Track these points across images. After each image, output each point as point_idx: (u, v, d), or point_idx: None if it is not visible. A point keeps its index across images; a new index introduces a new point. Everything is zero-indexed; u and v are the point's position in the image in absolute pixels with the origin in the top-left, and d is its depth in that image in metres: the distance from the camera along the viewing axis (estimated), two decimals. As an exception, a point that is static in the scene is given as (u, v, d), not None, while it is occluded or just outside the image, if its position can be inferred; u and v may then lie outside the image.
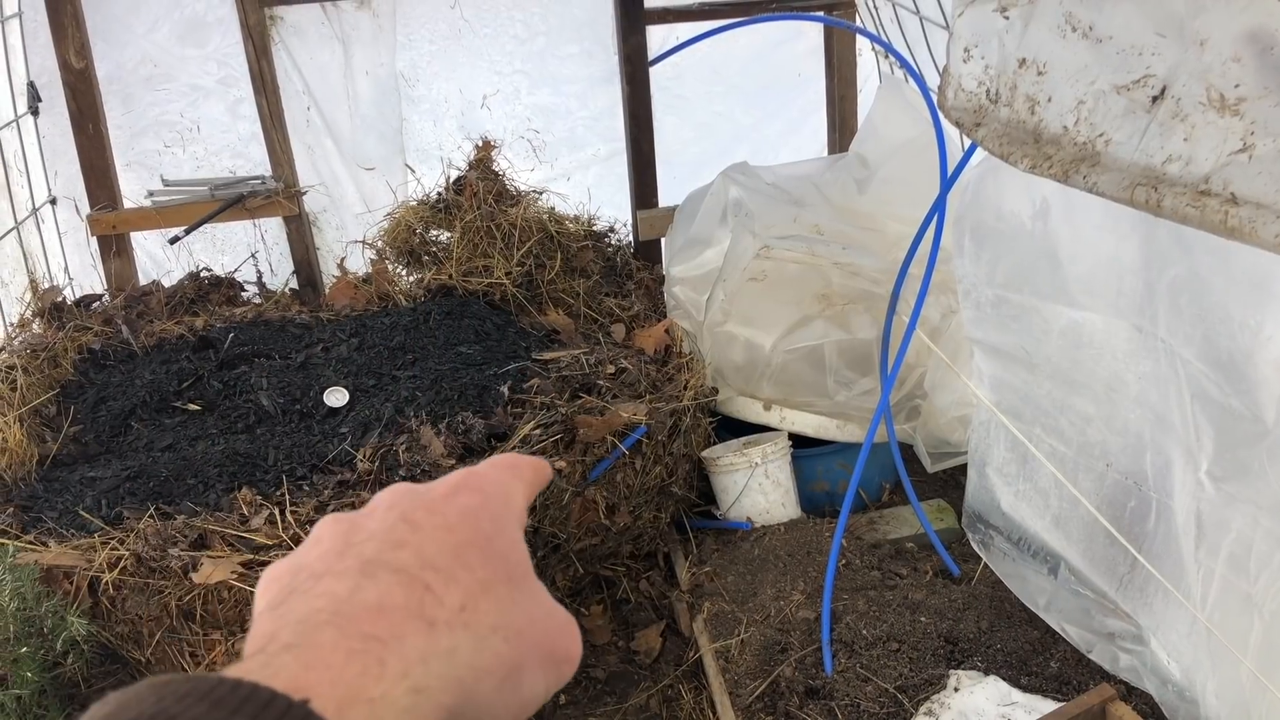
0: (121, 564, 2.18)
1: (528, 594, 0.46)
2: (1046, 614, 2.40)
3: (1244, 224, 1.02)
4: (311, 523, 2.28)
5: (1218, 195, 1.07)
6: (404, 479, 2.42)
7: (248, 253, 3.86)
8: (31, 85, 3.58)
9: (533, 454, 2.47)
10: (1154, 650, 2.11)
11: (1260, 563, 1.70)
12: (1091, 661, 2.27)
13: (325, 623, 0.40)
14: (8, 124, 3.46)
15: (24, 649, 2.07)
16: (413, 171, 3.89)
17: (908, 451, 3.06)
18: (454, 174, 3.62)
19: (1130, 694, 2.16)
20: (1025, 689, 2.18)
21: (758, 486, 2.92)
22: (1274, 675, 1.70)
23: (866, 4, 3.83)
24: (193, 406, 2.91)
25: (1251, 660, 1.74)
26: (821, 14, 3.86)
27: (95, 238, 3.63)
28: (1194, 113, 1.17)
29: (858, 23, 3.90)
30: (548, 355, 3.09)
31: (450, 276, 3.46)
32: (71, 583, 2.20)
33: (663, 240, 3.85)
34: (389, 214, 3.67)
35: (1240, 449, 1.68)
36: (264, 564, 2.16)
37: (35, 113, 3.62)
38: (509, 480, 0.51)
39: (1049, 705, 2.07)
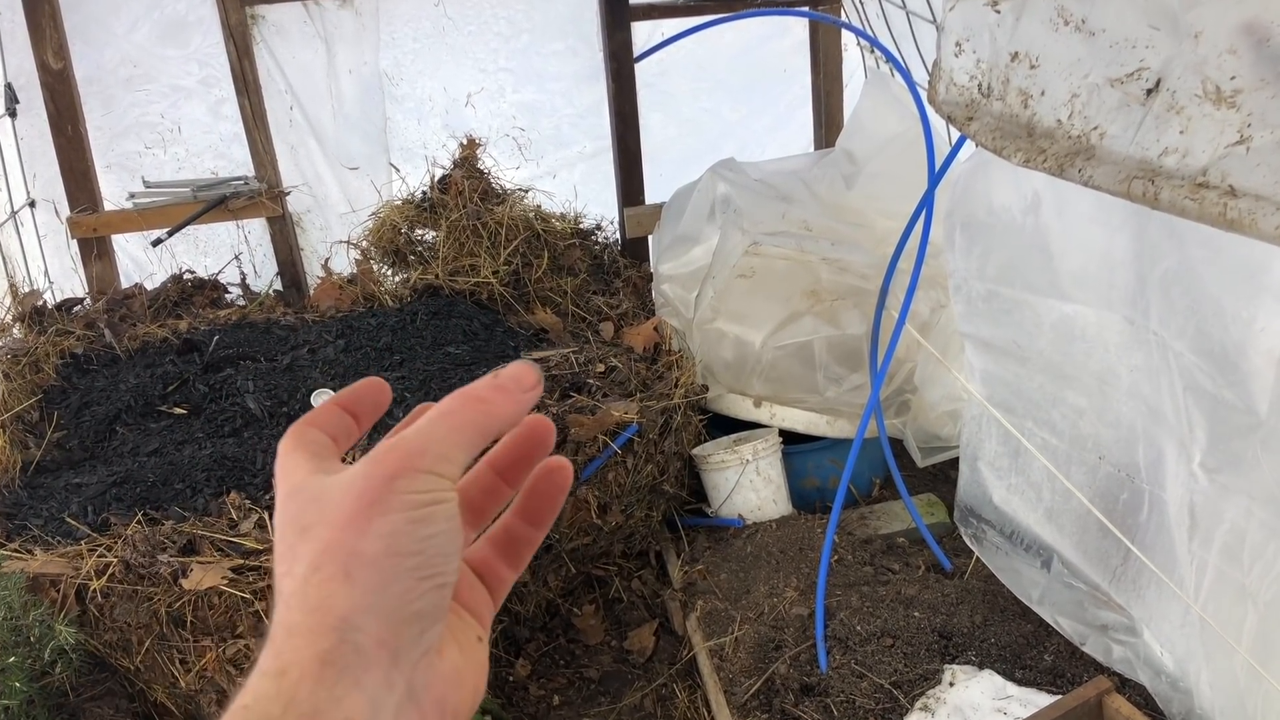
0: (109, 571, 2.15)
1: (309, 494, 0.49)
2: (1040, 607, 2.40)
3: (1243, 216, 1.02)
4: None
5: (1216, 187, 1.07)
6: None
7: (231, 254, 3.83)
8: (9, 87, 3.53)
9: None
10: (1147, 642, 2.12)
11: (1254, 553, 1.70)
12: (1085, 654, 2.28)
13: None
14: (-15, 126, 3.42)
15: (11, 658, 2.04)
16: (397, 170, 3.86)
17: (898, 446, 3.07)
18: (439, 173, 3.60)
19: (1124, 685, 2.16)
20: (1020, 682, 2.18)
21: (749, 483, 2.92)
22: (1269, 665, 1.70)
23: (851, -1, 3.83)
24: (178, 410, 2.88)
25: (1246, 650, 1.75)
26: (807, 9, 3.86)
27: (76, 240, 3.59)
28: (1190, 105, 1.17)
29: (843, 18, 3.90)
30: (537, 354, 3.08)
31: (436, 276, 3.44)
32: (59, 591, 2.17)
33: (650, 238, 3.84)
34: (373, 214, 3.64)
35: (1233, 440, 1.68)
36: (254, 569, 2.14)
37: (13, 114, 3.57)
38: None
39: (1044, 698, 2.08)
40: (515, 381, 0.52)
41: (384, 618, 0.45)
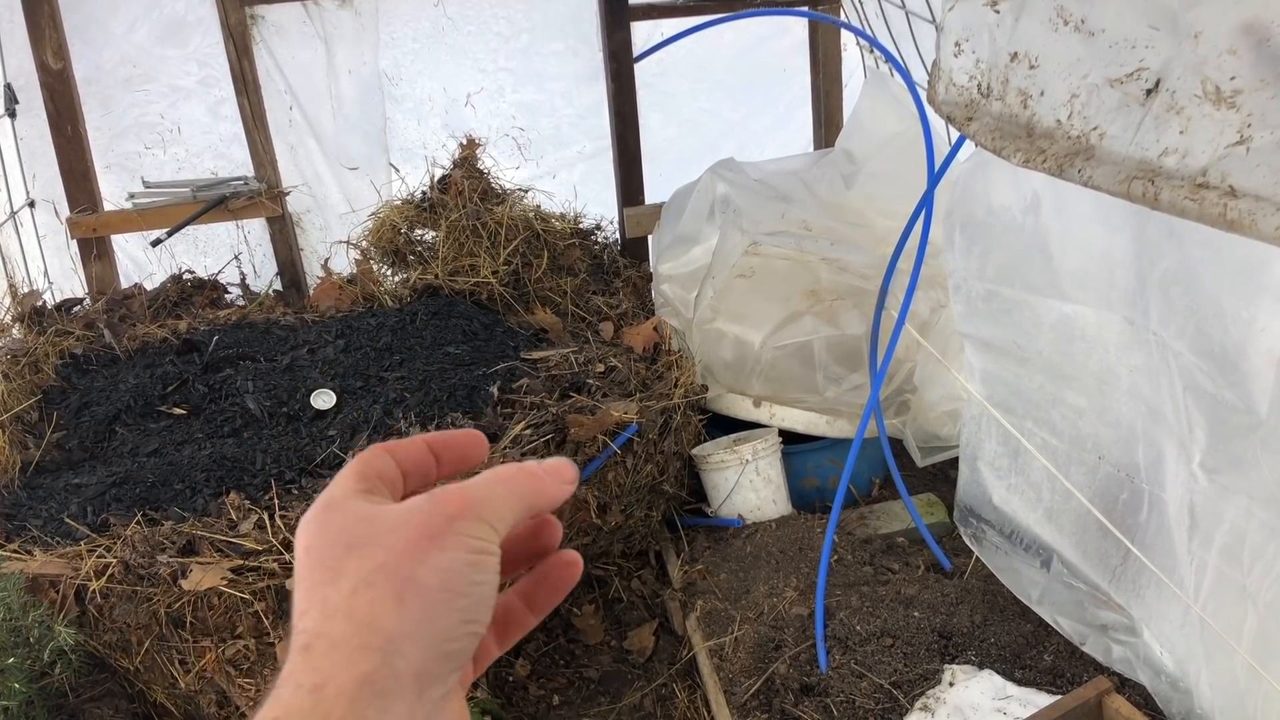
0: (109, 572, 2.15)
1: (344, 522, 0.49)
2: (1039, 607, 2.40)
3: (1243, 216, 1.02)
4: (301, 527, 2.25)
5: (1216, 188, 1.07)
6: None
7: (230, 254, 3.83)
8: (8, 87, 3.53)
9: (523, 455, 2.46)
10: (1147, 642, 2.12)
11: (1254, 554, 1.70)
12: (1085, 654, 2.28)
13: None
14: (-15, 126, 3.42)
15: (11, 659, 2.04)
16: (397, 171, 3.86)
17: (898, 446, 3.07)
18: (438, 173, 3.60)
19: (1124, 685, 2.16)
20: (1020, 682, 2.18)
21: (749, 483, 2.91)
22: (1269, 665, 1.70)
23: (850, -1, 3.83)
24: (178, 411, 2.88)
25: (1246, 651, 1.75)
26: (806, 9, 3.86)
27: (75, 241, 3.59)
28: (1189, 105, 1.17)
29: (842, 17, 3.89)
30: (536, 354, 3.08)
31: (436, 276, 3.44)
32: (58, 591, 2.17)
33: (650, 238, 3.84)
34: (373, 214, 3.64)
35: (1233, 440, 1.68)
36: (253, 569, 2.14)
37: (12, 115, 3.57)
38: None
39: (1044, 698, 2.08)
40: (557, 473, 0.55)
41: (425, 649, 0.46)
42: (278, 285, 3.87)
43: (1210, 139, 1.13)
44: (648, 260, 3.87)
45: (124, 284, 3.70)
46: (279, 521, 2.25)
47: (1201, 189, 1.11)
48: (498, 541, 0.50)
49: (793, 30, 4.04)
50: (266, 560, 2.15)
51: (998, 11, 1.54)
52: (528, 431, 2.58)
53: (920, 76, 3.16)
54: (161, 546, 2.18)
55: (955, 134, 2.21)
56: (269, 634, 2.14)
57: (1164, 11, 1.24)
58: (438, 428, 2.60)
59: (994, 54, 1.56)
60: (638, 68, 3.76)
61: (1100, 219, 1.92)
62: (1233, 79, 1.12)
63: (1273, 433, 1.59)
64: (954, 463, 2.81)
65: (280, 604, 2.14)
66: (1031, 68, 1.48)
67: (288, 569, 2.12)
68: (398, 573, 0.46)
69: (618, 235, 3.91)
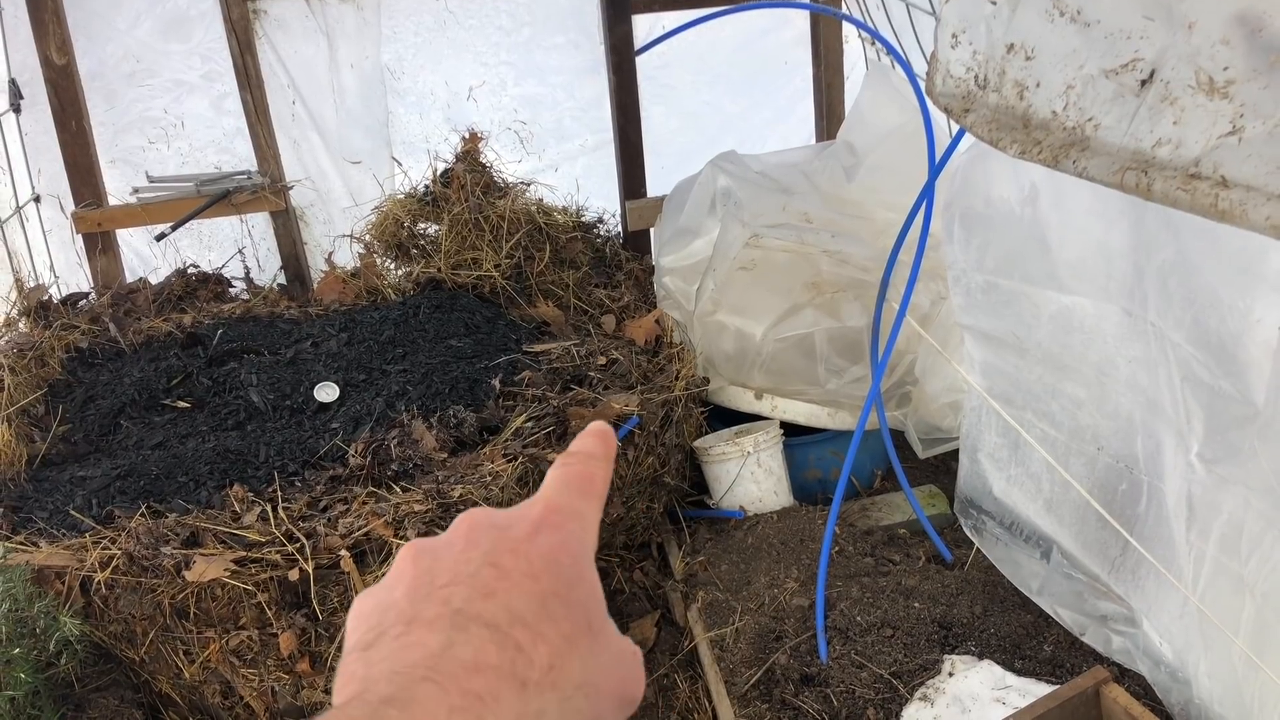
0: (113, 563, 2.17)
1: (604, 642, 0.48)
2: (1039, 598, 2.41)
3: (1234, 207, 1.02)
4: (304, 519, 2.27)
5: (1208, 178, 1.08)
6: (396, 473, 2.41)
7: (235, 249, 3.84)
8: (13, 82, 3.55)
9: (524, 447, 2.47)
10: (1146, 632, 2.12)
11: (1251, 544, 1.71)
12: (1084, 644, 2.29)
13: (423, 678, 0.41)
14: (-11, 122, 3.43)
15: (17, 650, 2.06)
16: (399, 165, 3.87)
17: (899, 438, 3.07)
18: (441, 166, 3.61)
19: (1123, 676, 2.17)
20: (1019, 673, 2.19)
21: (750, 475, 2.92)
22: (1266, 655, 1.71)
23: (852, -9, 3.82)
24: (182, 404, 2.89)
25: (1243, 640, 1.76)
26: (808, 1, 3.86)
27: (80, 235, 3.61)
28: (1183, 96, 1.17)
29: (844, 10, 3.89)
30: (538, 347, 3.09)
31: (439, 270, 3.45)
32: (63, 583, 2.19)
33: (651, 230, 3.84)
34: (376, 208, 3.65)
35: (1230, 431, 1.69)
36: (256, 561, 2.16)
37: (17, 110, 3.58)
38: (584, 506, 0.53)
39: (1043, 688, 2.08)
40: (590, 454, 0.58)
41: None
42: (281, 279, 3.89)
43: (1203, 129, 1.13)
44: (650, 253, 3.88)
45: (129, 278, 3.72)
46: (282, 514, 2.27)
47: (1194, 179, 1.11)
48: None
49: (794, 23, 4.04)
50: (269, 552, 2.16)
51: (994, 3, 1.54)
52: (529, 424, 2.59)
53: (921, 69, 3.16)
54: (165, 538, 2.20)
55: (956, 126, 2.21)
56: (272, 625, 2.15)
57: (1159, 2, 1.24)
58: (440, 420, 2.61)
59: (991, 45, 1.56)
60: (639, 61, 3.76)
61: (1098, 210, 1.92)
62: (1226, 69, 1.12)
63: (1269, 423, 1.59)
64: (956, 454, 2.81)
65: (283, 594, 2.16)
66: (1028, 59, 1.48)
67: (290, 560, 2.14)
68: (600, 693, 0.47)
69: (620, 228, 3.91)
